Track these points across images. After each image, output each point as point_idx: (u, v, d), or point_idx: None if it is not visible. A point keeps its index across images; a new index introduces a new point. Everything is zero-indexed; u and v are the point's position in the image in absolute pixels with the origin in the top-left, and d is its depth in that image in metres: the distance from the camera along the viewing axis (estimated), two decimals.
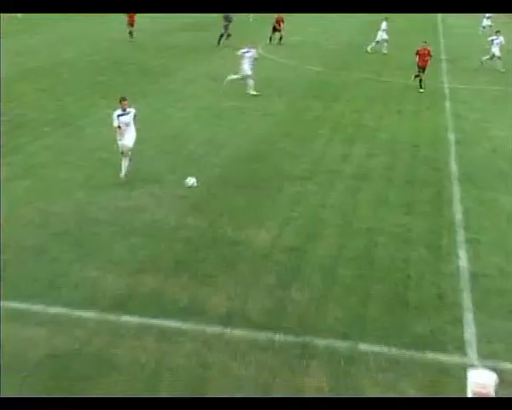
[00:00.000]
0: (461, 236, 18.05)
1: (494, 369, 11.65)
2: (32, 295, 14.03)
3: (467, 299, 14.86)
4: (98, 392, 11.18)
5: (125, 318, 13.38)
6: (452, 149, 25.69)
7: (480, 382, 11.87)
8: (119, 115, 20.15)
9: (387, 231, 18.05)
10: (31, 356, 12.07)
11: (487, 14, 62.53)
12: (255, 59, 32.08)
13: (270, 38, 48.83)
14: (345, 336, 13.15)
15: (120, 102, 20.14)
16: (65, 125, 26.11)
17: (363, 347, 12.87)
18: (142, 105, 28.39)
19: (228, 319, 13.55)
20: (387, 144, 25.88)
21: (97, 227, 17.42)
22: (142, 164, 21.82)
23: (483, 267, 16.37)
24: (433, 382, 12.03)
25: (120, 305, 13.84)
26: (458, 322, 13.98)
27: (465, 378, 11.44)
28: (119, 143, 20.61)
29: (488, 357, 12.72)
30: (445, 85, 37.69)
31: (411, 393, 11.64)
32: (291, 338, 13.04)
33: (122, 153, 20.63)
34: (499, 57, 43.04)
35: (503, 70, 41.46)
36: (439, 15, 70.34)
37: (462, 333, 13.59)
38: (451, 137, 27.45)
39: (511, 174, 23.06)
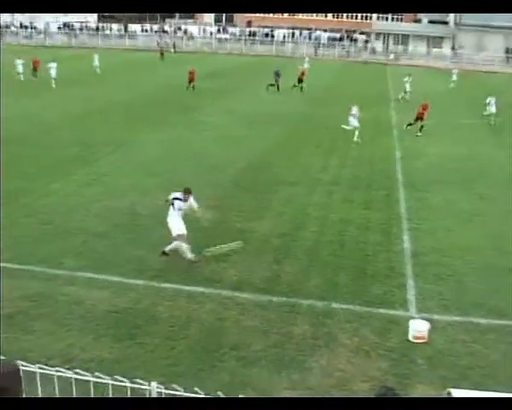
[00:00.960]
0: (405, 225, 18.11)
1: (427, 319, 12.13)
2: (98, 267, 14.19)
3: (409, 270, 14.95)
4: (146, 338, 11.35)
5: (164, 285, 13.50)
6: (399, 163, 25.66)
7: (418, 329, 12.10)
8: (175, 198, 14.26)
9: (353, 222, 18.14)
10: (99, 311, 12.27)
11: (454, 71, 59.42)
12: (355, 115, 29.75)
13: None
14: (322, 298, 13.24)
15: (185, 191, 14.30)
16: (121, 146, 26.10)
17: (335, 305, 12.96)
18: (177, 131, 29.08)
19: (238, 286, 13.66)
20: (354, 159, 25.84)
21: (143, 220, 17.54)
22: (174, 173, 21.93)
23: (421, 247, 16.41)
24: (385, 329, 12.09)
25: (160, 275, 13.94)
26: (403, 287, 14.07)
27: (407, 326, 11.86)
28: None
29: (423, 311, 12.81)
30: (393, 117, 37.48)
31: (370, 337, 11.68)
32: (283, 299, 13.13)
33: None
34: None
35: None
36: (388, 68, 70.23)
37: (406, 295, 13.69)
38: (398, 154, 27.41)
39: (441, 181, 23.03)
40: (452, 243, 17.12)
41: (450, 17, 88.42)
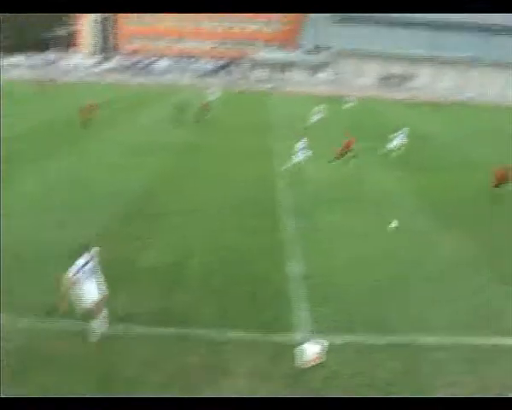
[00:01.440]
0: (293, 249, 18.16)
1: (320, 341, 12.22)
2: None
3: (299, 293, 15.07)
4: None
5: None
6: (285, 188, 25.53)
7: (311, 351, 12.10)
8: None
9: (242, 248, 18.00)
10: None
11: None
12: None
13: None
14: (214, 326, 13.07)
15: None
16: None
17: (228, 333, 12.87)
18: (62, 162, 27.89)
19: (129, 318, 13.13)
20: (241, 186, 25.52)
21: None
22: (57, 206, 21.19)
23: (310, 270, 16.57)
24: (278, 354, 12.15)
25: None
26: (294, 310, 14.19)
27: (300, 350, 11.95)
28: None
29: (316, 334, 12.91)
30: (276, 144, 37.05)
31: (264, 363, 11.71)
32: (174, 330, 12.84)
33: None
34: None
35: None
36: (270, 96, 71.13)
37: (298, 318, 13.81)
38: (283, 179, 27.17)
39: (328, 204, 23.29)
40: (339, 264, 17.46)
41: (329, 45, 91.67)
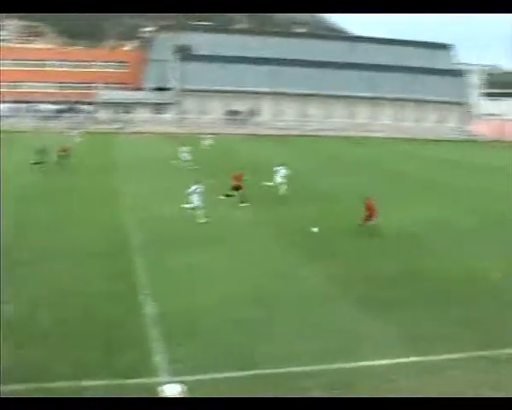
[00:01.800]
0: (148, 290, 17.79)
1: (181, 382, 11.89)
2: None
3: (157, 335, 14.81)
4: None
5: None
6: (135, 228, 25.17)
7: (171, 393, 11.56)
8: None
9: (98, 294, 17.32)
10: None
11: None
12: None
13: None
14: (70, 378, 12.43)
15: None
16: None
17: (85, 383, 12.25)
18: None
19: None
20: (94, 228, 24.79)
21: None
22: None
23: (167, 310, 16.36)
24: (138, 398, 11.58)
25: None
26: (153, 353, 13.88)
27: (161, 392, 11.54)
28: None
29: (176, 374, 12.71)
30: (123, 185, 36.43)
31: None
32: (25, 386, 11.91)
33: None
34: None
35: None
36: (115, 137, 70.01)
37: (157, 360, 13.48)
38: (133, 219, 26.80)
39: (181, 242, 23.15)
40: (197, 301, 17.35)
41: (173, 84, 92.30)
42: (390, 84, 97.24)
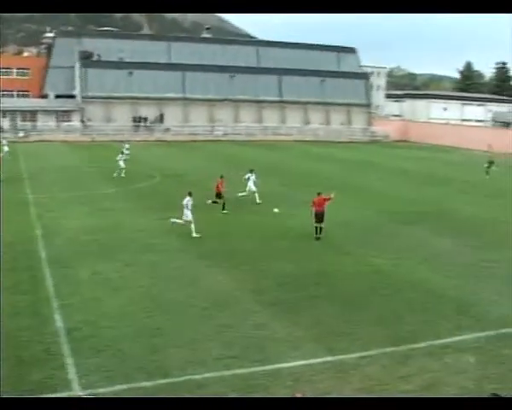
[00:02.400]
0: (54, 303, 17.70)
1: (93, 394, 12.01)
2: None
3: (66, 349, 14.68)
4: None
5: None
6: (40, 241, 24.96)
7: None
8: None
9: (2, 309, 16.75)
10: None
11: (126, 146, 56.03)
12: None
13: None
14: None
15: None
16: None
17: None
18: None
19: None
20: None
21: None
22: None
23: (74, 323, 16.24)
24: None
25: None
26: (62, 367, 13.74)
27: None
28: None
29: (88, 387, 12.68)
30: (29, 195, 36.24)
31: None
32: None
33: None
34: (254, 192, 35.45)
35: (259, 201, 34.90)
36: (18, 146, 68.14)
37: (67, 374, 13.40)
38: (38, 232, 26.65)
39: (84, 253, 22.96)
40: (105, 312, 17.31)
41: (77, 91, 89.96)
42: (298, 88, 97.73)
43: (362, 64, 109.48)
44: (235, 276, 20.82)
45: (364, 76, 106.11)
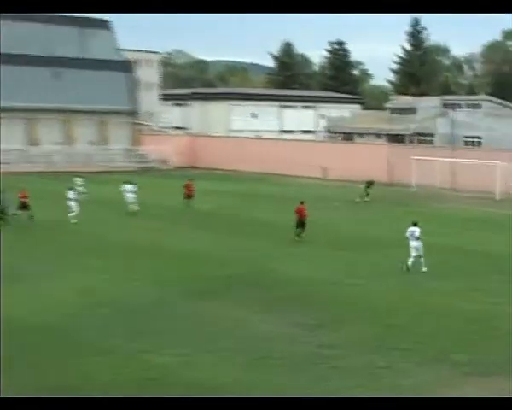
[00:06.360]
0: None
1: None
2: None
3: None
4: None
5: None
6: None
7: None
8: None
9: None
10: None
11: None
12: None
13: None
14: None
15: None
16: None
17: None
18: None
19: None
20: None
21: None
22: None
23: None
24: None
25: None
26: None
27: None
28: None
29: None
30: None
31: None
32: None
33: None
34: None
35: None
36: None
37: None
38: None
39: None
40: None
41: None
42: (16, 87, 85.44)
43: (121, 47, 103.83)
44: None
45: (126, 66, 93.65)
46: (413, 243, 32.02)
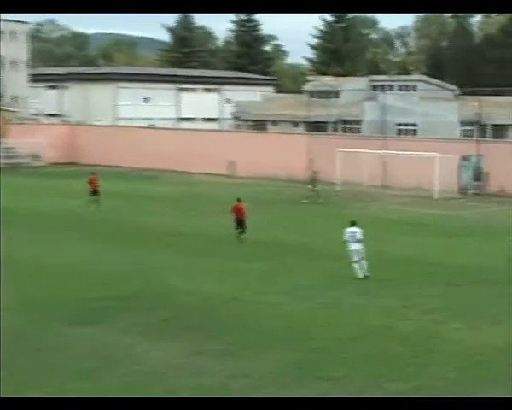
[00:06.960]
0: None
1: None
2: None
3: None
4: None
5: None
6: None
7: None
8: None
9: None
10: None
11: None
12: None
13: None
14: None
15: None
16: None
17: None
18: None
19: None
20: None
21: None
22: None
23: None
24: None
25: None
26: None
27: None
28: None
29: None
30: None
31: None
32: None
33: None
34: None
35: None
36: None
37: None
38: None
39: None
40: None
41: None
42: None
43: None
44: None
45: None
46: (353, 246, 32.59)
